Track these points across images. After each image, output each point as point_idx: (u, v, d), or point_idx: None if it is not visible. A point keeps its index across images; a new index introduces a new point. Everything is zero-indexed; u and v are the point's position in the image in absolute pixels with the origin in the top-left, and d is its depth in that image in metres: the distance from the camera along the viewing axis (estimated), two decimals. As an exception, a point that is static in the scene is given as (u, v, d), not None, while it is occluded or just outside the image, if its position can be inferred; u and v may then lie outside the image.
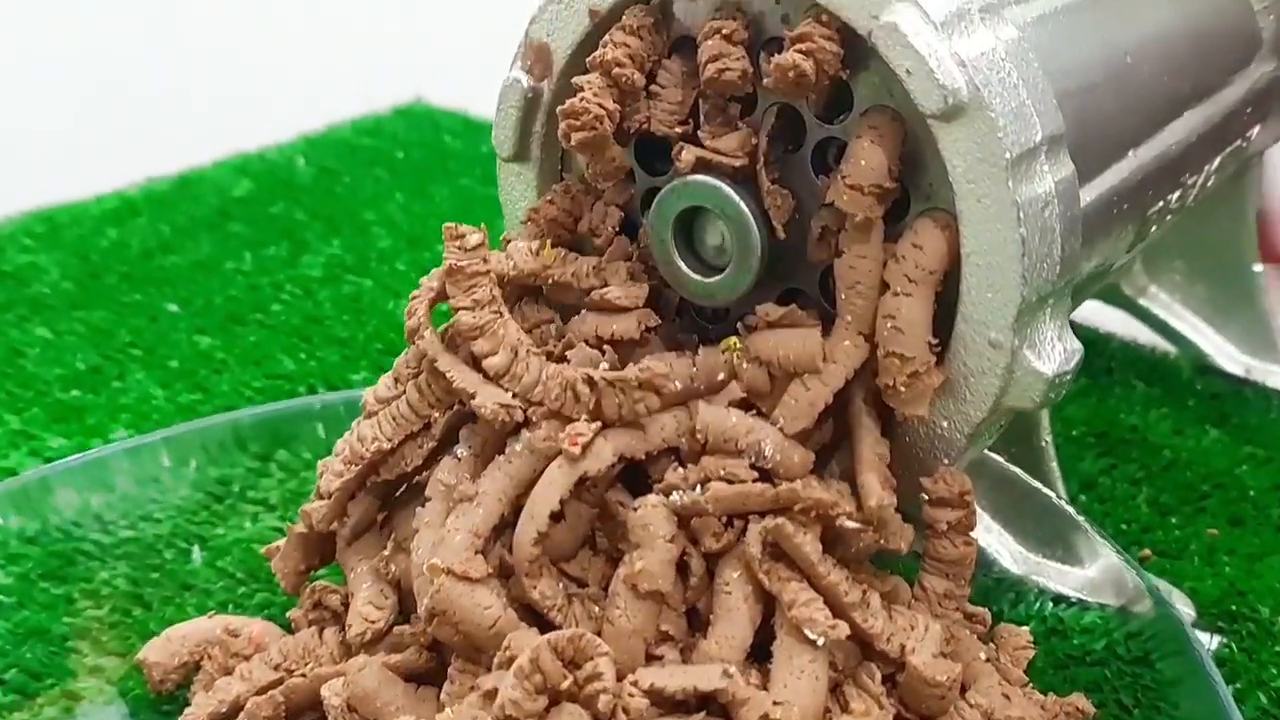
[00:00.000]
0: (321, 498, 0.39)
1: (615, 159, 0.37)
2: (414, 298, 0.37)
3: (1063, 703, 0.36)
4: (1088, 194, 0.38)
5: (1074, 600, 0.42)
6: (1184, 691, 0.37)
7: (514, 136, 0.39)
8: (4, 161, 0.78)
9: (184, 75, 0.93)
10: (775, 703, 0.32)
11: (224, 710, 0.37)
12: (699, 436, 0.35)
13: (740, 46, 0.35)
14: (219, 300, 0.62)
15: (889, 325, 0.34)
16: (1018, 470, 0.42)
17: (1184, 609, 0.45)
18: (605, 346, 0.36)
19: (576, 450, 0.34)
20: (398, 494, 0.40)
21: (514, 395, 0.35)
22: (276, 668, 0.38)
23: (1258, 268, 0.56)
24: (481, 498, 0.35)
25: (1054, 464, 0.42)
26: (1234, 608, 0.44)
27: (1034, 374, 0.34)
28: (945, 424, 0.35)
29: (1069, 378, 0.35)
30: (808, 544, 0.34)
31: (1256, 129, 0.50)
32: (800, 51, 0.33)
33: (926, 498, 0.35)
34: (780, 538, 0.34)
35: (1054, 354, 0.34)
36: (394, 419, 0.37)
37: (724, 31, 0.35)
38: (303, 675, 0.37)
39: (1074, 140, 0.36)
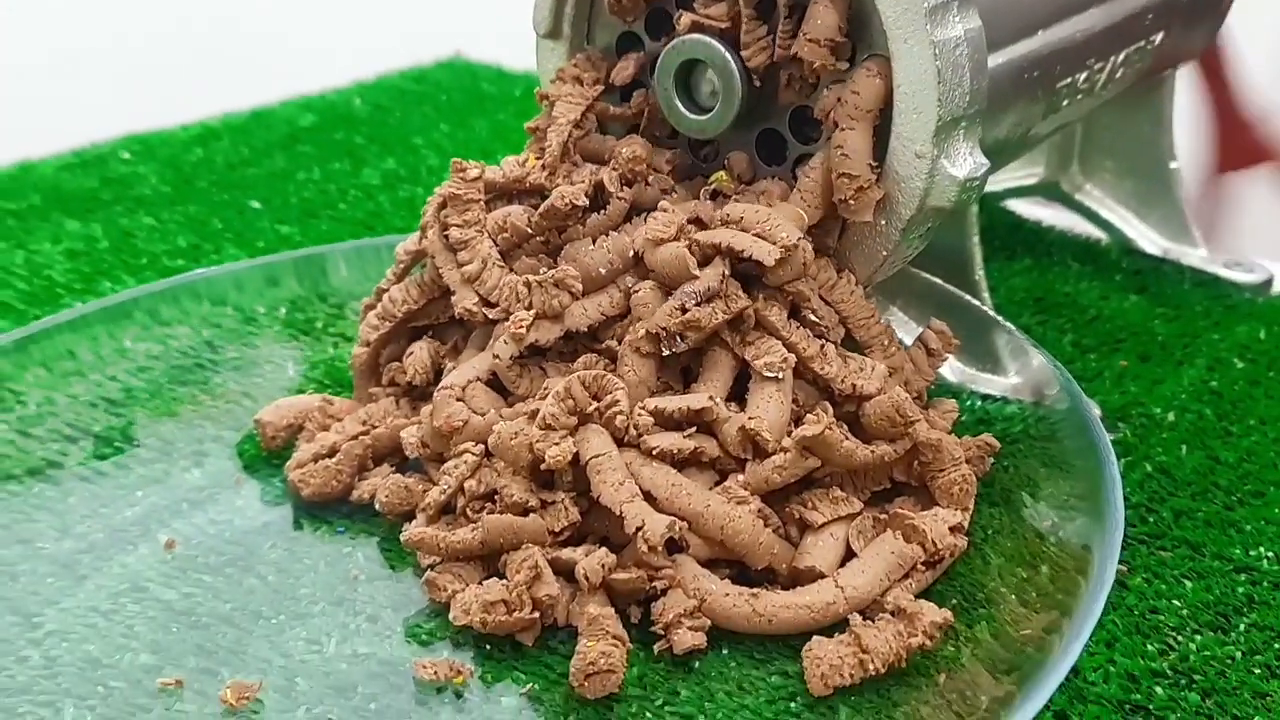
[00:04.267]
0: (363, 345, 0.50)
1: None
2: (429, 201, 0.48)
3: (976, 441, 0.47)
4: (1000, 57, 0.48)
5: (999, 397, 0.52)
6: (1080, 456, 0.47)
7: (550, 17, 0.50)
8: (99, 88, 0.89)
9: (253, 26, 1.05)
10: (750, 418, 0.43)
11: (324, 452, 0.47)
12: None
13: (725, -66, 0.46)
14: (294, 200, 0.73)
15: (839, 153, 0.44)
16: (950, 287, 0.52)
17: (1093, 408, 0.55)
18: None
19: (523, 332, 0.45)
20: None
21: (480, 297, 0.46)
22: (364, 422, 0.48)
23: (1174, 165, 0.66)
24: (463, 366, 0.46)
25: (980, 273, 0.52)
26: (1134, 413, 0.54)
27: (949, 178, 0.44)
28: (882, 222, 0.46)
29: (977, 183, 0.45)
30: (773, 315, 0.44)
31: (1160, 35, 0.60)
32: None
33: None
34: (757, 315, 0.44)
35: (965, 164, 0.45)
36: (420, 285, 0.48)
37: (712, -77, 0.46)
38: (385, 427, 0.48)
39: (987, 10, 0.47)
